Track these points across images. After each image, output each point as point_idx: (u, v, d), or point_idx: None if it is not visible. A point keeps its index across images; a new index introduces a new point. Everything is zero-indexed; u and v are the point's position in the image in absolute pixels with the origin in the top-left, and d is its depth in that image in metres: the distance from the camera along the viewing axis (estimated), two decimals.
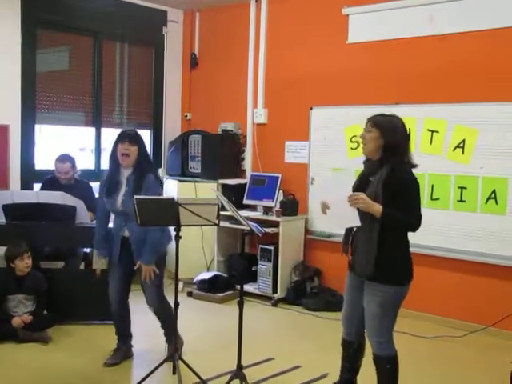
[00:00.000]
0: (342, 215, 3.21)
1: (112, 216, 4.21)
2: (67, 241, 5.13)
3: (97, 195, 5.76)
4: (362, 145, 3.32)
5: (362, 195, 3.14)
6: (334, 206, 3.24)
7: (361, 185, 3.29)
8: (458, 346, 4.83)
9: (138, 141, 4.04)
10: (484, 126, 5.04)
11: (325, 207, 3.29)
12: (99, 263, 4.18)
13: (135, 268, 4.04)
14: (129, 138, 3.99)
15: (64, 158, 5.54)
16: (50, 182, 5.57)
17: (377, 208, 3.11)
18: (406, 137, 3.26)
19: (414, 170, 3.25)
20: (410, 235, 5.39)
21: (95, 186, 6.01)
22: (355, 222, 3.16)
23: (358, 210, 3.15)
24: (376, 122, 3.25)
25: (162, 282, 4.23)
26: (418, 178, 3.23)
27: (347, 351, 3.51)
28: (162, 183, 4.24)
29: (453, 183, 5.22)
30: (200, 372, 3.88)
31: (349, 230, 3.35)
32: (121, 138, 4.01)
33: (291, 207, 6.04)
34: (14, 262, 4.69)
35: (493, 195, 5.02)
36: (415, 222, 3.18)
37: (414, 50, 5.48)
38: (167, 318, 4.13)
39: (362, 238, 3.22)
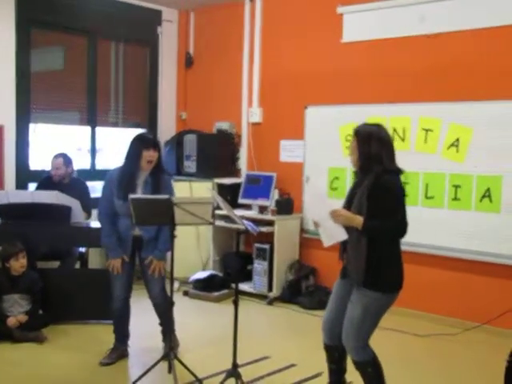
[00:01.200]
0: (330, 231, 3.24)
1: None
2: (62, 240, 5.13)
3: (93, 195, 5.82)
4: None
5: (342, 211, 3.18)
6: (321, 222, 3.28)
7: (352, 195, 3.31)
8: (453, 344, 4.85)
9: (159, 146, 4.15)
10: (478, 124, 5.06)
11: (316, 225, 3.35)
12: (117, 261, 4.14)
13: (146, 262, 4.14)
14: (154, 145, 4.07)
15: (58, 154, 5.56)
16: (46, 181, 5.57)
17: (358, 221, 3.12)
18: (385, 145, 3.23)
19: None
20: None
21: (91, 185, 6.03)
22: (343, 235, 3.19)
23: None
24: (355, 132, 3.29)
25: (165, 276, 4.28)
26: (403, 186, 3.23)
27: (332, 355, 3.50)
28: None
29: (447, 182, 5.24)
30: (195, 371, 3.89)
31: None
32: (146, 145, 4.03)
33: (286, 206, 6.05)
34: (9, 262, 4.69)
35: (487, 193, 5.04)
36: (399, 230, 3.17)
37: (408, 49, 5.50)
38: (168, 313, 4.13)
39: (352, 249, 3.24)
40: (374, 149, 3.18)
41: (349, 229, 3.18)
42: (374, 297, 3.19)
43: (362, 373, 3.32)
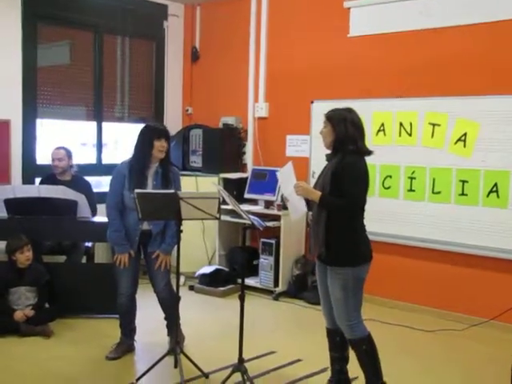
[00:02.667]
0: (295, 204, 3.47)
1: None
2: (69, 235, 5.14)
3: (99, 189, 5.83)
4: (322, 139, 3.53)
5: (302, 184, 3.42)
6: (289, 197, 3.50)
7: (322, 175, 3.50)
8: (460, 339, 4.84)
9: (170, 137, 4.19)
10: (485, 119, 5.03)
11: (286, 200, 3.57)
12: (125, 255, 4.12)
13: (153, 256, 4.15)
14: (165, 135, 4.10)
15: (58, 147, 5.57)
16: (47, 178, 5.57)
17: (315, 195, 3.33)
18: (357, 127, 3.41)
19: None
20: (411, 229, 5.44)
21: (95, 180, 6.04)
22: (304, 208, 3.45)
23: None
24: (328, 117, 3.47)
25: (170, 271, 4.29)
26: (367, 166, 3.40)
27: (333, 341, 3.60)
28: None
29: (454, 177, 5.21)
30: (201, 365, 3.90)
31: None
32: (158, 135, 4.05)
33: None
34: (15, 255, 4.71)
35: (494, 188, 5.01)
36: (347, 207, 3.32)
37: (415, 43, 5.46)
38: (173, 307, 4.14)
39: (313, 222, 3.44)
40: (349, 131, 3.37)
41: (312, 204, 3.40)
42: (346, 273, 3.33)
43: (358, 351, 3.43)
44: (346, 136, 3.36)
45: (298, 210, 3.50)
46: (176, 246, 3.91)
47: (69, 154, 5.58)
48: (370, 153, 3.44)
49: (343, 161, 3.33)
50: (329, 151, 3.51)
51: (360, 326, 3.41)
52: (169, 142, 4.12)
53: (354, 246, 3.37)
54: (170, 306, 4.21)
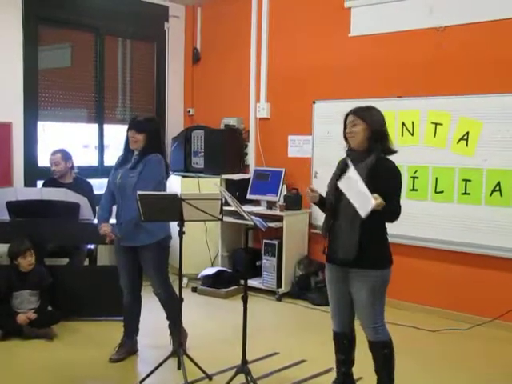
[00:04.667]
0: (359, 203, 3.17)
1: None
2: (71, 237, 5.13)
3: (101, 191, 5.82)
4: (349, 139, 3.42)
5: (381, 200, 3.09)
6: (352, 199, 3.19)
7: (342, 174, 3.36)
8: (464, 339, 4.82)
9: (145, 129, 4.09)
10: (488, 117, 5.02)
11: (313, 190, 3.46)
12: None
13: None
14: (135, 127, 4.09)
15: (55, 151, 5.55)
16: (50, 181, 5.56)
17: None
18: (385, 125, 3.41)
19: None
20: (415, 229, 5.43)
21: (97, 182, 6.04)
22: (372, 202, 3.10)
23: (343, 200, 3.24)
24: (360, 115, 3.39)
25: (167, 270, 4.26)
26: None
27: (341, 344, 3.57)
28: (167, 166, 4.25)
29: (457, 176, 5.20)
30: (205, 367, 3.89)
31: (328, 218, 3.43)
32: (129, 126, 4.13)
33: (295, 202, 6.02)
34: (17, 260, 4.71)
35: (497, 187, 5.00)
36: (399, 213, 3.29)
37: (416, 42, 5.45)
38: (173, 307, 4.13)
39: (344, 225, 3.31)
40: (382, 128, 3.36)
41: (346, 207, 3.22)
42: (376, 275, 3.29)
43: (378, 354, 3.38)
44: (382, 134, 3.34)
45: (363, 207, 3.15)
46: (178, 248, 3.89)
47: (66, 157, 5.54)
48: (396, 151, 3.41)
49: (383, 163, 3.29)
50: (344, 149, 3.47)
51: (384, 329, 3.37)
52: (146, 133, 4.05)
53: (383, 248, 3.37)
54: (168, 305, 4.22)
